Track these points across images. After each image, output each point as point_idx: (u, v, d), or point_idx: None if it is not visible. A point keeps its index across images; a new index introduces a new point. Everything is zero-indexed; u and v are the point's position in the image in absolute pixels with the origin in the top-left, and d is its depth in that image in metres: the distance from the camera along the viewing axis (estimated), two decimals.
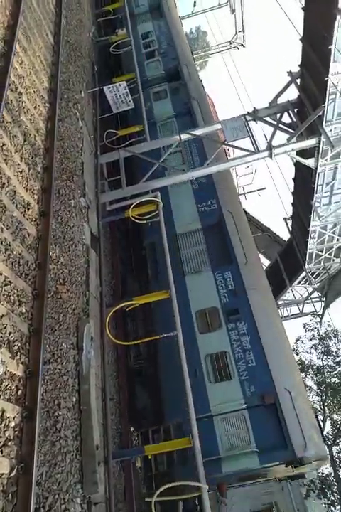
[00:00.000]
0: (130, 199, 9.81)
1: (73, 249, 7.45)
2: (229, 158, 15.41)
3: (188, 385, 6.34)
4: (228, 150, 18.50)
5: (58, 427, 5.25)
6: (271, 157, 9.90)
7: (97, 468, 5.70)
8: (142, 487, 8.67)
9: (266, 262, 20.70)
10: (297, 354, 24.59)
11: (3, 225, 5.16)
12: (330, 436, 21.64)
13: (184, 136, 10.62)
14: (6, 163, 5.68)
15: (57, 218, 7.14)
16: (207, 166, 10.15)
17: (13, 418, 4.26)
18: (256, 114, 10.65)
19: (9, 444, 4.08)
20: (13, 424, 4.23)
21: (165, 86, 14.25)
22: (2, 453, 3.92)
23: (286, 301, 20.84)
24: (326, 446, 18.79)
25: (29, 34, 7.97)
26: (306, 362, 24.61)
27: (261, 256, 17.78)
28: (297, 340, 25.58)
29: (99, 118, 11.96)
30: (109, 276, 10.13)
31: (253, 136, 10.11)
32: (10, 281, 4.94)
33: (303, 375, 23.04)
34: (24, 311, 5.14)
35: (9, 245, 5.18)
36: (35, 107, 7.39)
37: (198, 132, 10.77)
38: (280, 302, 20.06)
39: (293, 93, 10.84)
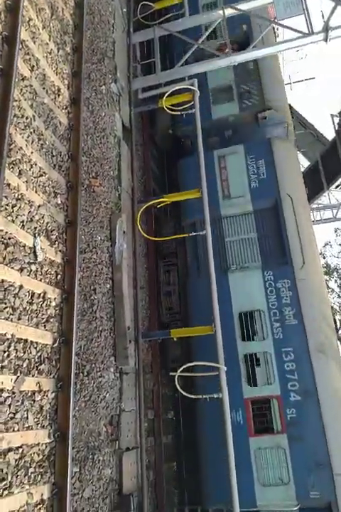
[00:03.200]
0: (164, 87, 9.11)
1: (105, 141, 7.26)
2: (277, 41, 13.55)
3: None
4: (277, 29, 16.15)
5: (94, 309, 5.81)
6: (326, 40, 8.58)
7: (128, 345, 6.40)
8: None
9: (305, 164, 19.54)
10: (324, 258, 24.65)
11: (35, 112, 5.02)
12: None
13: (228, 11, 9.29)
14: (34, 43, 5.30)
15: (88, 106, 6.84)
16: (252, 50, 9.02)
17: (54, 299, 4.71)
18: None
19: (51, 320, 4.58)
20: (53, 303, 4.69)
21: None
22: (45, 327, 4.43)
23: (320, 206, 20.13)
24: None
25: None
26: (332, 265, 24.75)
27: (300, 156, 16.73)
28: (326, 244, 25.41)
29: None
30: (140, 171, 9.98)
31: (308, 13, 8.67)
32: (44, 172, 5.00)
33: (327, 277, 23.33)
34: (59, 202, 5.29)
35: (42, 135, 5.11)
36: None
37: (244, 7, 9.34)
38: (314, 206, 19.41)
39: None
